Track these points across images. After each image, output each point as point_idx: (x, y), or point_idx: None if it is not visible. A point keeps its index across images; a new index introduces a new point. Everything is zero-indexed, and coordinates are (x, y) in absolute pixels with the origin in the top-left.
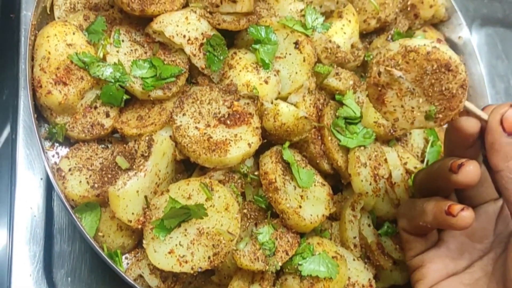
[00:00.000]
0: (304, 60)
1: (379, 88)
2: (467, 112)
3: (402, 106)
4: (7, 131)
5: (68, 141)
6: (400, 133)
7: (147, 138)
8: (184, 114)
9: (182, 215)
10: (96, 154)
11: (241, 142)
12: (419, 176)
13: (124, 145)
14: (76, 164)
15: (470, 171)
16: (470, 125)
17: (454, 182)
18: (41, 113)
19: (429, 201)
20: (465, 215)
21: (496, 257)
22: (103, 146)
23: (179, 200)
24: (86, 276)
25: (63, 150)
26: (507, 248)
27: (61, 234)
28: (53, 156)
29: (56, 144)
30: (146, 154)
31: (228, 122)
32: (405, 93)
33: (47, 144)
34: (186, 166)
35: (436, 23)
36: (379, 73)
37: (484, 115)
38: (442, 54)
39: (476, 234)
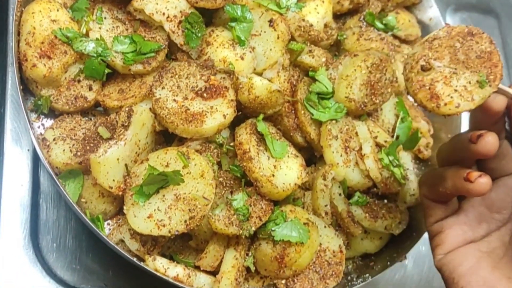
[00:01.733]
0: (278, 38)
1: (428, 87)
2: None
3: (455, 91)
4: None
5: (53, 113)
6: (371, 108)
7: (127, 108)
8: (163, 88)
9: (160, 182)
10: (80, 125)
11: (217, 114)
12: (442, 148)
13: (106, 117)
14: (60, 134)
15: (488, 141)
16: (499, 103)
17: (473, 152)
18: (27, 86)
19: (450, 169)
20: (483, 181)
21: None
22: (86, 118)
23: (158, 168)
24: (71, 242)
25: (48, 122)
26: None
27: (47, 203)
28: (38, 127)
29: (42, 116)
30: (126, 124)
31: (205, 95)
32: (450, 78)
33: (33, 115)
34: (165, 138)
35: (409, 6)
36: (421, 69)
37: (511, 91)
38: (459, 27)
39: (494, 205)
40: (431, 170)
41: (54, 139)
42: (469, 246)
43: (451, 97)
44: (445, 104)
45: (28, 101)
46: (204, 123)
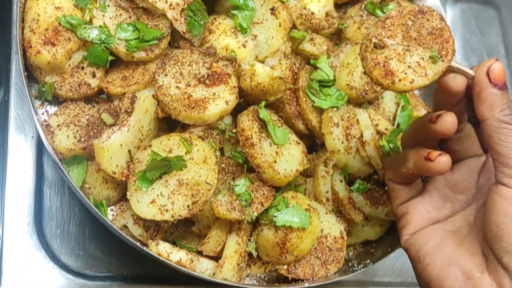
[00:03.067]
0: (280, 26)
1: (382, 65)
2: (453, 72)
3: (409, 67)
4: (0, 94)
5: (57, 100)
6: (372, 96)
7: (130, 95)
8: (166, 75)
9: (163, 167)
10: (83, 112)
11: (219, 100)
12: (405, 133)
13: (109, 104)
14: (64, 120)
15: (447, 121)
16: (458, 83)
17: (433, 132)
18: (31, 73)
19: (411, 150)
20: (443, 159)
21: (478, 208)
22: (90, 105)
23: (161, 154)
24: (74, 228)
25: (52, 109)
26: (487, 198)
27: (51, 189)
28: (42, 114)
29: (46, 103)
30: (130, 110)
31: (207, 82)
32: (404, 55)
33: (37, 102)
34: (168, 125)
35: None
36: (374, 47)
37: (471, 72)
38: (410, 6)
39: (458, 186)
40: (394, 154)
41: (58, 126)
42: (434, 226)
43: (405, 73)
44: (400, 80)
45: (32, 88)
46: (206, 110)
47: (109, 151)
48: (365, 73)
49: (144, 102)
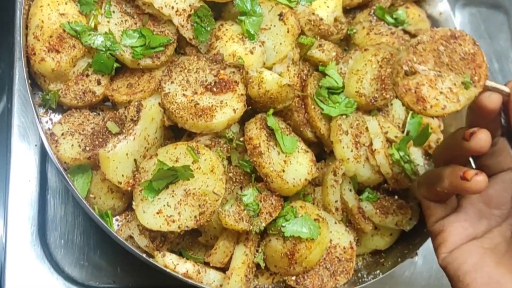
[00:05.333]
0: (288, 32)
1: (413, 91)
2: (488, 90)
3: (441, 93)
4: (3, 102)
5: (61, 108)
6: (381, 103)
7: (136, 103)
8: (172, 82)
9: (170, 177)
10: (88, 120)
11: (227, 108)
12: (438, 148)
13: (115, 112)
14: (68, 129)
15: (481, 138)
16: (493, 101)
17: (467, 150)
18: (35, 80)
19: (446, 168)
20: (479, 179)
21: None
22: (95, 113)
23: (167, 163)
24: (78, 239)
25: (56, 117)
26: None
27: (55, 198)
28: (46, 122)
29: (50, 111)
30: (135, 119)
31: (214, 89)
32: (436, 80)
33: (41, 110)
34: (175, 133)
35: (418, 0)
36: (405, 74)
37: (505, 89)
38: (441, 30)
39: (493, 201)
40: (428, 171)
41: (62, 134)
42: (471, 243)
43: (437, 100)
44: (431, 107)
45: (36, 96)
46: (213, 118)
47: (114, 161)
48: (396, 97)
49: (150, 111)
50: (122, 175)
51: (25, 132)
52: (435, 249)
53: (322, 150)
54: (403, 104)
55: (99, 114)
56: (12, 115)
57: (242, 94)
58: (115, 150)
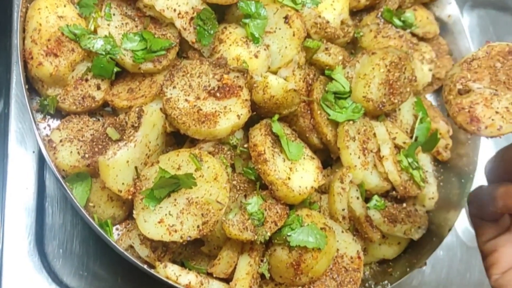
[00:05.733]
0: (293, 35)
1: (467, 110)
2: None
3: (497, 113)
4: (0, 107)
5: (60, 114)
6: (389, 108)
7: (137, 109)
8: (174, 87)
9: (172, 185)
10: (87, 126)
11: (230, 114)
12: (490, 164)
13: (115, 118)
14: (67, 135)
15: None
16: None
17: None
18: (32, 85)
19: (498, 187)
20: None
21: None
22: (94, 119)
23: (169, 171)
24: (78, 248)
25: (55, 123)
26: None
27: (53, 207)
28: (44, 128)
29: (48, 117)
30: (136, 125)
31: (218, 94)
32: (491, 99)
33: (39, 116)
34: (177, 140)
35: (426, 2)
36: (459, 92)
37: None
38: (500, 46)
39: None
40: (479, 188)
41: (60, 141)
42: None
43: (492, 120)
44: (486, 127)
45: (33, 101)
46: (217, 124)
47: (114, 169)
48: (448, 115)
49: (152, 116)
50: (123, 183)
51: (22, 138)
52: (486, 269)
53: (328, 157)
54: (456, 124)
55: (98, 119)
56: (9, 120)
57: (246, 100)
58: (115, 157)
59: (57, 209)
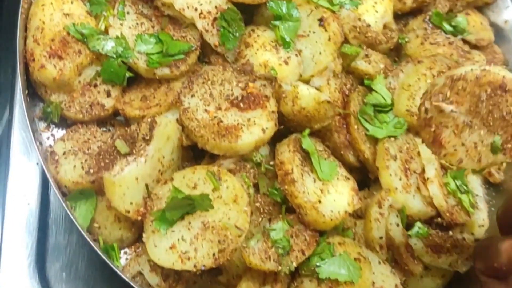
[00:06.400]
0: (329, 40)
1: (433, 129)
2: None
3: (463, 144)
4: (5, 114)
5: (65, 123)
6: None
7: (149, 119)
8: (193, 96)
9: (186, 206)
10: (95, 137)
11: (255, 127)
12: (500, 210)
13: (126, 128)
14: (71, 147)
15: None
16: None
17: None
18: (35, 90)
19: (504, 241)
20: None
21: None
22: (104, 129)
23: (184, 190)
24: (83, 271)
25: (60, 132)
26: None
27: (57, 225)
28: (47, 138)
29: (52, 126)
30: (148, 138)
31: (241, 105)
32: (462, 129)
33: (42, 125)
34: (195, 154)
35: (480, 6)
36: (426, 110)
37: None
38: (494, 75)
39: None
40: (485, 239)
41: (64, 153)
42: None
43: (455, 150)
44: (445, 155)
45: (36, 108)
46: (239, 138)
47: (121, 186)
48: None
49: (166, 128)
50: (131, 203)
51: (25, 148)
52: None
53: (365, 177)
54: (417, 134)
55: (109, 130)
56: (12, 128)
57: (273, 111)
58: (122, 174)
59: (61, 227)
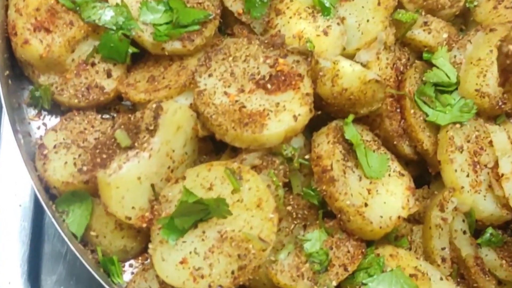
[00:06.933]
0: (379, 4)
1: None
2: None
3: None
4: None
5: (60, 109)
6: None
7: (154, 105)
8: (210, 75)
9: (198, 212)
10: (92, 127)
11: (284, 114)
12: None
13: (130, 116)
14: (64, 139)
15: None
16: None
17: None
18: (22, 71)
19: None
20: None
21: None
22: (107, 116)
23: (197, 191)
24: (86, 284)
25: (53, 120)
26: None
27: (54, 229)
28: (38, 128)
29: (44, 113)
30: (152, 128)
31: (269, 86)
32: None
33: (32, 112)
34: (216, 146)
35: None
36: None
37: None
38: None
39: None
40: None
41: (54, 146)
42: None
43: None
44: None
45: (24, 92)
46: (265, 128)
47: (119, 188)
48: None
49: (175, 116)
50: (133, 207)
51: (19, 140)
52: None
53: (424, 171)
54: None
55: (112, 117)
56: (1, 117)
57: (307, 94)
58: (120, 172)
59: (58, 233)
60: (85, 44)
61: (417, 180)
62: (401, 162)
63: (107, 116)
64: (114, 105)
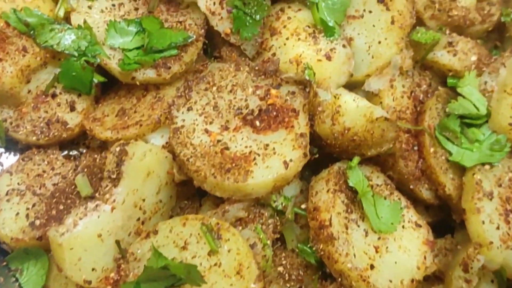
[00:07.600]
0: (392, 22)
1: None
2: None
3: None
4: None
5: (17, 146)
6: None
7: (117, 149)
8: (189, 109)
9: (168, 278)
10: (52, 169)
11: (273, 159)
12: None
13: (96, 156)
14: (19, 183)
15: None
16: None
17: None
18: None
19: None
20: None
21: None
22: (75, 152)
23: (169, 251)
24: None
25: (10, 159)
26: None
27: None
28: None
29: (1, 150)
30: (115, 176)
31: (258, 123)
32: None
33: None
34: (199, 188)
35: None
36: None
37: None
38: None
39: None
40: None
41: (7, 193)
42: None
43: None
44: None
45: None
46: (250, 176)
47: (73, 250)
48: None
49: (143, 161)
50: (93, 269)
51: None
52: None
53: (447, 217)
54: None
55: (80, 154)
56: None
57: (302, 134)
58: (74, 231)
59: None
60: (43, 73)
61: (439, 226)
62: (419, 207)
63: (75, 152)
64: (84, 139)
